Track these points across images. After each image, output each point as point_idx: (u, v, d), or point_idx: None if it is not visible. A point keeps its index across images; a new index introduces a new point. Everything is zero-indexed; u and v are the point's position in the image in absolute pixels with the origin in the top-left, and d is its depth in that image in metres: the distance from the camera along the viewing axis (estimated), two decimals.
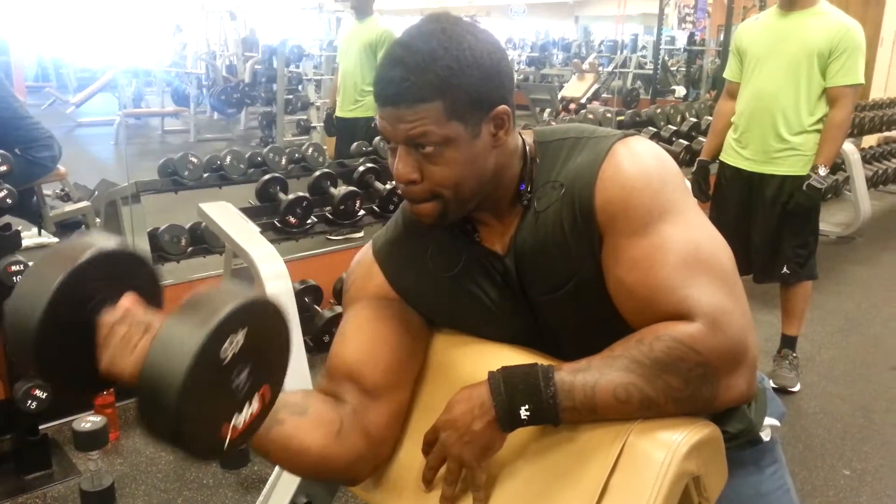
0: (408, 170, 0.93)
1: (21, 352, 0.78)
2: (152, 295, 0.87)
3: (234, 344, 0.73)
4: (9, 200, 2.15)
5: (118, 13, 10.44)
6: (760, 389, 0.98)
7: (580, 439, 0.91)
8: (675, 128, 4.47)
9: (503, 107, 0.94)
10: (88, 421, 2.19)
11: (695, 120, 4.61)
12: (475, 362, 1.04)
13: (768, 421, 1.03)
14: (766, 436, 1.03)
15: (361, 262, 1.13)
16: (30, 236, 4.53)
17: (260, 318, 0.78)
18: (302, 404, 0.99)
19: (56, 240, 4.49)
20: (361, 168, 3.25)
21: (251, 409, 0.79)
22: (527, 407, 0.88)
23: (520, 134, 1.02)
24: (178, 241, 3.29)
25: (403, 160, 0.93)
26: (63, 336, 0.79)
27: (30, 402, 2.24)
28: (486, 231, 1.04)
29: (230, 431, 0.77)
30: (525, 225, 1.00)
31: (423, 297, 1.09)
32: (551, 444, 0.93)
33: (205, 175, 3.29)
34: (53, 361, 0.81)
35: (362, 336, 1.06)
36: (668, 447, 0.85)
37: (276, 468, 1.37)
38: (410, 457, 1.05)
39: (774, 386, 2.93)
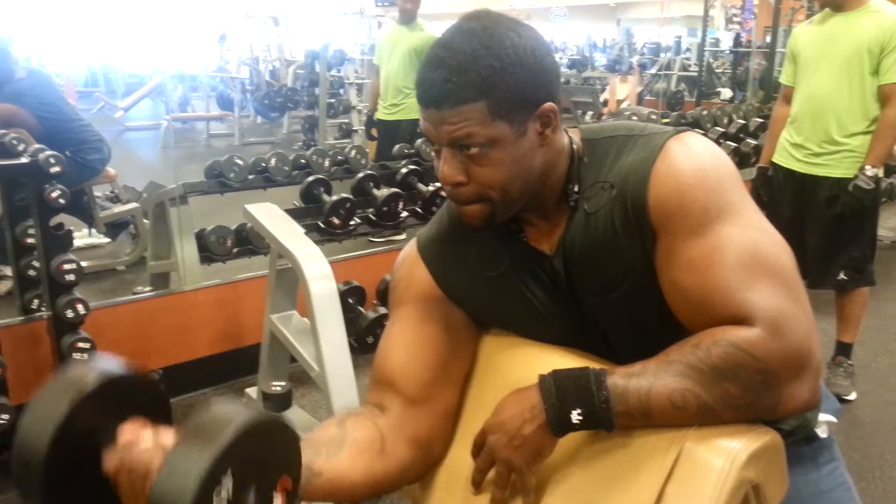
0: (453, 172, 0.92)
1: (29, 490, 0.76)
2: (158, 412, 0.85)
3: (224, 492, 0.70)
4: (62, 200, 2.20)
5: (164, 20, 10.68)
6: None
7: (634, 445, 0.88)
8: (722, 129, 4.38)
9: (549, 104, 0.91)
10: None
11: (742, 122, 4.52)
12: (525, 364, 1.02)
13: (823, 417, 1.00)
14: (822, 432, 1.00)
15: (406, 259, 1.12)
16: (81, 236, 4.65)
17: (245, 447, 0.72)
18: (337, 437, 0.98)
19: (106, 240, 4.61)
20: (404, 170, 3.26)
21: None
22: (579, 411, 0.86)
23: (566, 132, 1.00)
24: (223, 242, 3.35)
25: (448, 162, 0.92)
26: (70, 473, 0.78)
27: None
28: (533, 231, 1.02)
29: None
30: (574, 225, 0.98)
31: (468, 296, 1.07)
32: (604, 450, 0.90)
33: (250, 177, 3.33)
34: (62, 500, 0.78)
35: (405, 343, 1.05)
36: (726, 454, 0.83)
37: None
38: (459, 458, 1.04)
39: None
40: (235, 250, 3.28)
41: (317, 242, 2.62)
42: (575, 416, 0.86)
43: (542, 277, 1.01)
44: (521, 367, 1.02)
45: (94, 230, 4.56)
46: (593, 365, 0.91)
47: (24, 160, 2.23)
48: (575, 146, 0.99)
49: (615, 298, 0.97)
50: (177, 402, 2.82)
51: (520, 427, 0.89)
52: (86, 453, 0.78)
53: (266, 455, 0.75)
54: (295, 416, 2.64)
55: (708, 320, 0.87)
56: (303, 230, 2.57)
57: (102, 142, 4.17)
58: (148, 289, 3.52)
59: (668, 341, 0.89)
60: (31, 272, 2.56)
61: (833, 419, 1.02)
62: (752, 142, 4.16)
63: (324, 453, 0.96)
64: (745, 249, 0.88)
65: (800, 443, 0.94)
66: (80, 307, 2.27)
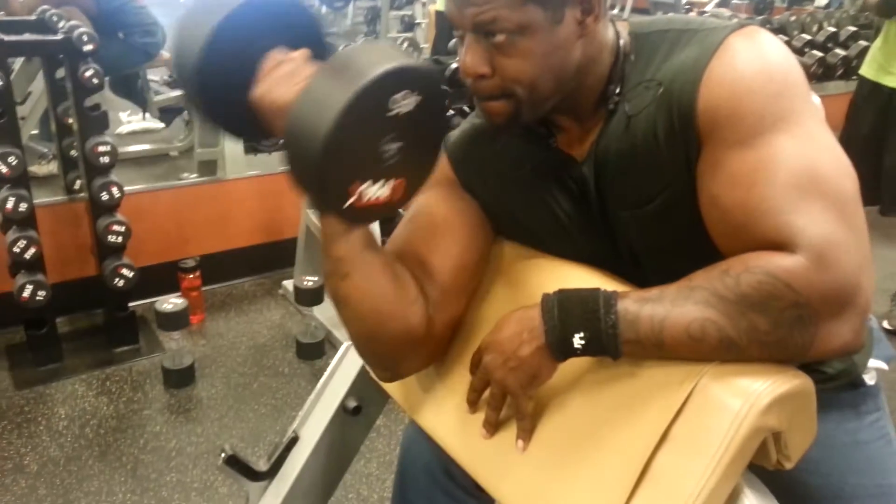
0: (476, 62, 0.81)
1: (184, 79, 0.81)
2: (319, 56, 0.84)
3: (405, 102, 0.73)
4: (95, 80, 2.15)
5: None
6: (867, 329, 0.82)
7: (643, 376, 0.79)
8: (809, 37, 4.01)
9: None
10: (171, 302, 2.25)
11: (833, 30, 4.12)
12: (541, 280, 0.94)
13: (874, 363, 0.91)
14: (870, 379, 0.91)
15: None
16: (136, 120, 4.67)
17: (434, 100, 0.77)
18: (392, 256, 0.92)
19: (161, 125, 4.62)
20: (453, 65, 3.08)
21: (382, 191, 0.78)
22: (582, 335, 0.77)
23: (612, 24, 0.87)
24: None
25: (472, 50, 0.81)
26: (225, 70, 0.80)
27: (117, 279, 2.32)
28: (564, 136, 0.91)
29: (357, 195, 0.76)
30: (610, 130, 0.86)
31: (490, 199, 0.99)
32: (609, 378, 0.82)
33: None
34: (213, 93, 0.82)
35: (435, 222, 0.96)
36: (745, 396, 0.73)
37: (332, 365, 1.32)
38: (456, 372, 0.97)
39: (889, 328, 2.69)
40: (281, 141, 3.21)
41: None
42: (577, 340, 0.77)
43: (570, 186, 0.91)
44: (536, 283, 0.94)
45: (148, 114, 4.56)
46: (615, 286, 0.82)
47: (57, 37, 2.17)
48: (621, 41, 0.86)
49: (648, 214, 0.86)
50: (211, 290, 2.85)
51: (517, 348, 0.81)
52: (244, 58, 0.81)
53: (424, 137, 0.79)
54: (327, 310, 2.64)
55: (745, 244, 0.76)
56: None
57: (157, 25, 4.09)
58: (194, 175, 3.52)
59: (703, 267, 0.78)
60: (73, 153, 2.56)
61: (884, 366, 0.92)
62: (841, 52, 3.79)
63: (383, 252, 0.90)
64: (799, 166, 0.75)
65: (842, 388, 0.85)
66: (114, 190, 2.26)
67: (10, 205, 2.08)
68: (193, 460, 2.00)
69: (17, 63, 3.53)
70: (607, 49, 0.86)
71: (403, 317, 0.89)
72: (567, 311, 0.78)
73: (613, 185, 0.88)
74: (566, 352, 0.78)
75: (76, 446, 2.03)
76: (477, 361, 0.88)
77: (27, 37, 2.24)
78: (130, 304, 2.50)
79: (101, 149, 2.20)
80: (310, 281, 2.39)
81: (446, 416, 0.97)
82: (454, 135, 1.02)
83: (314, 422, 1.30)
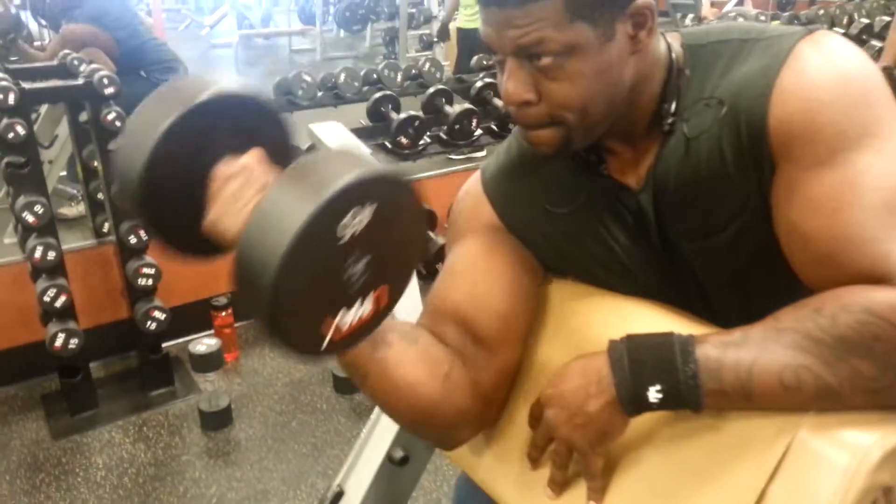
0: (520, 89, 0.74)
1: (126, 197, 0.69)
2: (281, 153, 0.74)
3: (356, 221, 0.61)
4: (118, 123, 2.12)
5: None
6: None
7: (728, 428, 0.70)
8: (842, 31, 3.88)
9: None
10: (204, 344, 2.20)
11: (866, 21, 3.99)
12: (600, 320, 0.86)
13: None
14: None
15: (470, 192, 0.95)
16: None
17: (393, 199, 0.65)
18: (412, 333, 0.84)
19: None
20: (479, 83, 3.02)
21: (362, 309, 0.66)
22: (658, 388, 0.68)
23: (663, 36, 0.79)
24: None
25: (514, 77, 0.74)
26: (172, 184, 0.69)
27: (149, 322, 2.28)
28: (616, 161, 0.83)
29: (333, 330, 0.65)
30: (669, 153, 0.79)
31: (537, 238, 0.90)
32: (689, 432, 0.73)
33: (319, 94, 3.18)
34: (159, 212, 0.71)
35: (475, 274, 0.89)
36: (854, 451, 0.64)
37: (374, 413, 1.25)
38: (516, 425, 0.89)
39: None
40: None
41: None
42: (653, 393, 0.69)
43: (626, 217, 0.83)
44: (596, 324, 0.86)
45: None
46: (686, 326, 0.75)
47: (78, 81, 2.15)
48: (674, 55, 0.79)
49: (717, 245, 0.78)
50: (245, 326, 2.79)
51: (583, 402, 0.73)
52: (192, 171, 0.70)
53: (396, 237, 0.67)
54: None
55: (834, 277, 0.67)
56: (369, 151, 2.42)
57: (178, 61, 4.10)
58: None
59: (783, 302, 0.70)
60: (100, 195, 2.54)
61: None
62: (878, 44, 3.67)
63: (397, 333, 0.82)
64: (888, 185, 0.67)
65: None
66: (142, 233, 2.22)
67: (38, 254, 2.05)
68: None
69: (44, 107, 3.55)
70: (660, 64, 0.78)
71: (439, 400, 0.83)
72: (639, 361, 0.70)
73: (675, 214, 0.80)
74: (640, 406, 0.70)
75: (115, 497, 1.98)
76: (538, 415, 0.80)
77: (48, 83, 2.22)
78: (165, 345, 2.46)
79: None
80: None
81: (505, 472, 0.89)
82: (490, 170, 0.93)
83: (359, 474, 1.23)
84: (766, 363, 0.66)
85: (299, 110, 3.17)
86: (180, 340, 2.61)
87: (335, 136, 2.49)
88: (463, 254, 0.91)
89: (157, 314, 2.28)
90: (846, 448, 0.64)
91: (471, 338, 0.86)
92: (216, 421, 2.25)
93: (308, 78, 3.13)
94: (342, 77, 3.19)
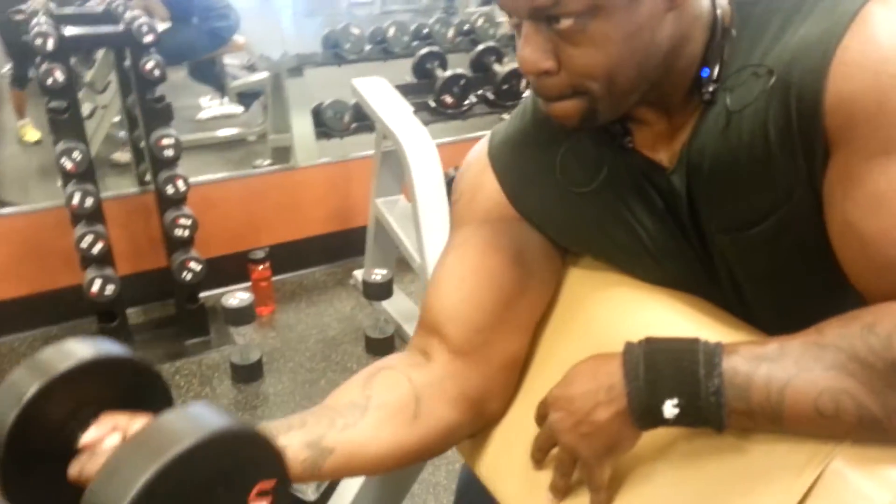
0: (537, 56, 0.64)
1: None
2: (150, 398, 0.73)
3: None
4: (157, 72, 2.09)
5: None
6: None
7: (754, 452, 0.62)
8: None
9: None
10: (236, 297, 2.19)
11: None
12: (620, 312, 0.78)
13: None
14: None
15: (473, 163, 0.86)
16: (216, 105, 4.69)
17: (196, 464, 0.58)
18: (359, 401, 0.78)
19: (240, 109, 4.62)
20: None
21: None
22: (676, 402, 0.60)
23: None
24: (340, 118, 3.19)
25: (531, 42, 0.64)
26: (34, 460, 0.67)
27: (185, 273, 2.28)
28: (645, 134, 0.73)
29: None
30: (706, 128, 0.68)
31: (550, 219, 0.82)
32: (709, 450, 0.65)
33: (367, 48, 3.10)
34: (22, 489, 0.68)
35: (459, 277, 0.82)
36: (893, 486, 0.56)
37: None
38: (521, 419, 0.83)
39: None
40: (354, 125, 3.12)
41: (427, 123, 2.39)
42: (669, 407, 0.61)
43: (654, 200, 0.74)
44: (615, 316, 0.79)
45: (227, 99, 4.57)
46: (717, 326, 0.68)
47: (118, 28, 2.12)
48: (719, 12, 0.68)
49: (755, 238, 0.68)
50: (282, 280, 2.79)
51: (591, 410, 0.65)
52: (57, 442, 0.68)
53: (220, 473, 0.60)
54: (397, 303, 2.54)
55: (894, 289, 0.57)
56: (412, 109, 2.35)
57: (230, 8, 4.08)
58: (267, 162, 3.48)
59: (828, 307, 0.61)
60: (143, 144, 2.53)
61: None
62: None
63: (339, 424, 0.76)
64: None
65: None
66: (180, 183, 2.21)
67: (76, 200, 2.06)
68: None
69: (100, 52, 3.57)
70: (702, 22, 0.67)
71: (422, 437, 0.79)
72: (657, 370, 0.62)
73: (710, 198, 0.70)
74: (654, 421, 0.62)
75: None
76: (543, 414, 0.73)
77: (87, 29, 2.20)
78: (202, 295, 2.47)
79: (165, 142, 2.14)
80: (378, 274, 2.29)
81: (508, 470, 0.83)
82: (499, 137, 0.84)
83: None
84: (802, 384, 0.57)
85: (346, 64, 3.10)
86: (218, 291, 2.62)
87: (377, 92, 2.43)
88: (454, 249, 0.84)
89: (193, 265, 2.28)
90: (885, 485, 0.56)
91: (448, 350, 0.81)
92: (246, 374, 2.26)
93: (356, 31, 3.05)
94: (391, 31, 3.09)
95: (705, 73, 0.68)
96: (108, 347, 0.70)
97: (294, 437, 0.72)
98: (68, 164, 2.02)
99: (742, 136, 0.65)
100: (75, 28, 2.08)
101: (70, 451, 0.67)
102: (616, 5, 0.60)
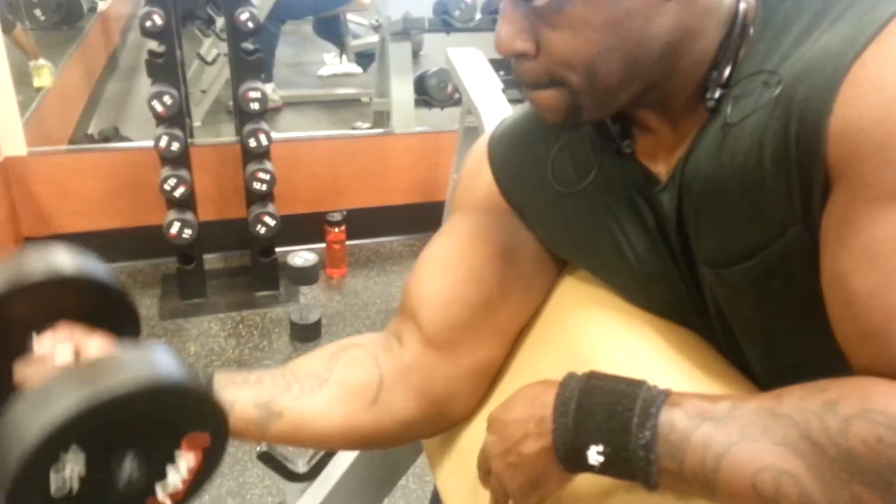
0: (512, 34, 0.56)
1: None
2: (118, 323, 0.72)
3: (69, 468, 0.55)
4: (250, 24, 2.11)
5: None
6: None
7: None
8: None
9: None
10: (301, 257, 2.21)
11: None
12: (601, 334, 0.71)
13: None
14: None
15: (477, 147, 0.80)
16: (336, 64, 4.77)
17: (108, 418, 0.56)
18: (321, 373, 0.75)
19: (359, 70, 4.67)
20: None
21: (181, 469, 0.61)
22: (601, 449, 0.52)
23: None
24: (444, 88, 3.15)
25: (507, 19, 0.57)
26: None
27: (259, 226, 2.33)
28: (648, 140, 0.64)
29: (168, 497, 0.61)
30: (704, 142, 0.58)
31: (538, 218, 0.74)
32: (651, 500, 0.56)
33: (477, 17, 3.02)
34: None
35: (441, 263, 0.76)
36: None
37: None
38: (477, 434, 0.76)
39: None
40: (457, 96, 3.07)
41: (514, 101, 2.30)
42: (594, 454, 0.53)
43: (646, 216, 0.64)
44: (594, 338, 0.71)
45: (345, 58, 4.63)
46: (694, 369, 0.62)
47: None
48: (743, 6, 0.57)
49: (740, 276, 0.58)
50: (358, 245, 2.80)
51: (520, 440, 0.59)
52: (14, 341, 0.68)
53: (151, 420, 0.59)
54: None
55: (874, 360, 0.48)
56: (502, 85, 2.26)
57: None
58: (366, 125, 3.50)
59: (827, 366, 0.51)
60: None
61: None
62: None
63: (294, 391, 0.73)
64: None
65: None
66: (262, 137, 2.24)
67: (163, 143, 2.14)
68: None
69: None
70: (717, 16, 0.57)
71: (376, 423, 0.74)
72: (587, 411, 0.54)
73: (697, 224, 0.60)
74: (577, 464, 0.54)
75: None
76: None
77: None
78: (278, 250, 2.52)
79: (252, 94, 2.18)
80: None
81: (458, 482, 0.77)
82: (501, 127, 0.77)
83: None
84: (742, 455, 0.48)
85: (454, 32, 3.03)
86: (294, 248, 2.65)
87: (470, 64, 2.35)
88: (443, 234, 0.79)
89: (268, 219, 2.32)
90: None
91: (419, 338, 0.75)
92: (304, 333, 2.29)
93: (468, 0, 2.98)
94: None
95: (713, 76, 0.58)
96: (90, 266, 0.70)
97: (246, 392, 0.70)
98: (159, 108, 2.10)
99: (736, 157, 0.55)
100: None
101: (24, 351, 0.67)
102: None
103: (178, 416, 0.60)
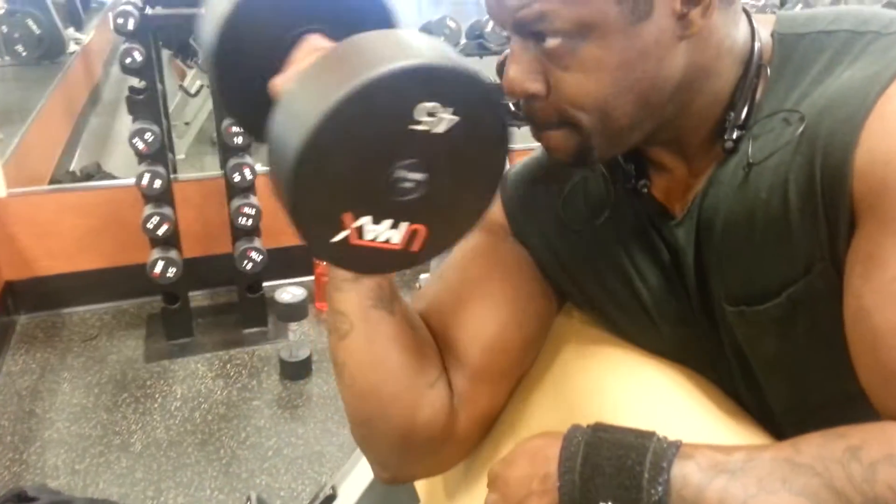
0: (521, 75, 0.56)
1: (205, 56, 0.65)
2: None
3: (434, 118, 0.50)
4: None
5: None
6: None
7: None
8: None
9: None
10: (289, 292, 2.16)
11: None
12: (603, 382, 0.67)
13: None
14: None
15: None
16: None
17: (481, 126, 0.52)
18: (416, 319, 0.70)
19: None
20: None
21: (388, 234, 0.55)
22: None
23: (748, 17, 0.59)
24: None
25: (517, 60, 0.57)
26: (249, 48, 0.63)
27: (246, 262, 2.28)
28: (663, 179, 0.64)
29: (351, 229, 0.54)
30: (723, 179, 0.58)
31: (547, 256, 0.72)
32: None
33: (462, 42, 3.01)
34: (232, 73, 0.65)
35: (470, 285, 0.72)
36: None
37: None
38: (477, 479, 0.72)
39: None
40: None
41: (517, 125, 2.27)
42: None
43: (660, 251, 0.64)
44: (595, 386, 0.67)
45: None
46: (713, 413, 0.59)
47: (198, 10, 2.12)
48: (758, 45, 0.57)
49: (765, 315, 0.58)
50: None
51: (523, 498, 0.57)
52: (267, 57, 0.63)
53: (462, 173, 0.55)
54: None
55: None
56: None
57: None
58: None
59: (849, 402, 0.51)
60: None
61: None
62: None
63: (402, 308, 0.68)
64: None
65: None
66: (247, 172, 2.20)
67: (145, 181, 2.09)
68: (287, 464, 1.90)
69: None
70: (732, 56, 0.57)
71: (412, 405, 0.67)
72: (595, 466, 0.51)
73: (720, 263, 0.59)
74: None
75: (181, 431, 2.01)
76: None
77: (170, 10, 2.22)
78: (265, 285, 2.46)
79: (235, 129, 2.14)
80: None
81: None
82: (516, 168, 0.76)
83: (354, 481, 1.10)
84: None
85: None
86: (282, 282, 2.60)
87: None
88: (460, 256, 0.75)
89: (254, 255, 2.27)
90: None
91: (454, 362, 0.70)
92: (294, 371, 2.23)
93: (452, 24, 2.99)
94: (489, 26, 2.99)
95: (730, 117, 0.57)
96: None
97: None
98: (140, 145, 2.05)
99: (760, 194, 0.55)
100: (159, 8, 2.10)
101: (280, 54, 0.63)
102: (612, 27, 0.51)
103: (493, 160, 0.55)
